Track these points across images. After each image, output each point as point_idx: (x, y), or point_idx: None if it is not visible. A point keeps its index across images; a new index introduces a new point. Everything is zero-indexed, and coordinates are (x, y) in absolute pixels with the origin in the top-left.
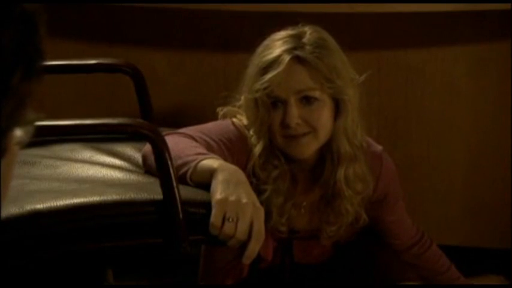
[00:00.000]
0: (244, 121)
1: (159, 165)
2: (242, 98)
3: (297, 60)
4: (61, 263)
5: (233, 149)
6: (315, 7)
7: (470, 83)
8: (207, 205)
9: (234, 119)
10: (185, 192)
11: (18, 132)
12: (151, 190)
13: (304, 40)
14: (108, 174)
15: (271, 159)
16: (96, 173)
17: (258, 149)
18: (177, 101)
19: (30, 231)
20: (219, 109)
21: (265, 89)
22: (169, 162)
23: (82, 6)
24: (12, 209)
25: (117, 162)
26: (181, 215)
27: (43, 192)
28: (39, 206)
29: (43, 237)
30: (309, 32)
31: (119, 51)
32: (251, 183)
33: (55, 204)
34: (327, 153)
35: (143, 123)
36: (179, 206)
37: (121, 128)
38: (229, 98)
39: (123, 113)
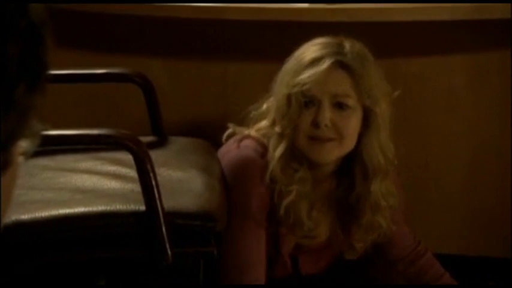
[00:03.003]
0: (262, 125)
1: (140, 176)
2: (272, 98)
3: (339, 64)
4: (44, 273)
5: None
6: (313, 16)
7: (469, 92)
8: (195, 216)
9: (252, 132)
10: (173, 203)
11: (23, 143)
12: (140, 201)
13: (346, 49)
14: (104, 184)
15: (292, 162)
16: (93, 183)
17: (280, 150)
18: (175, 108)
19: (13, 241)
20: (230, 125)
21: (303, 85)
22: (151, 174)
23: (81, 15)
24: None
25: (119, 170)
26: (163, 227)
27: (33, 202)
28: (24, 216)
29: (26, 247)
30: (350, 43)
31: (117, 59)
32: (273, 190)
33: (39, 214)
34: (358, 167)
35: (124, 134)
36: (161, 217)
37: (102, 138)
38: (245, 114)
39: (132, 123)
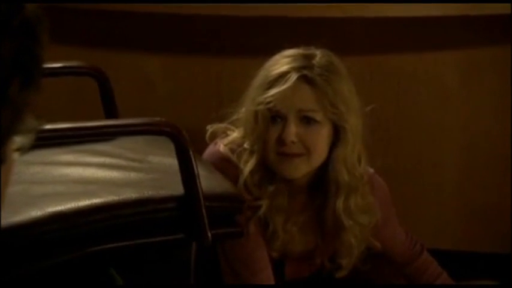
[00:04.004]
0: (235, 135)
1: (181, 162)
2: (243, 109)
3: (304, 79)
4: (84, 264)
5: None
6: (307, 11)
7: (462, 87)
8: (224, 197)
9: (222, 149)
10: (203, 186)
11: (18, 138)
12: (164, 187)
13: (314, 62)
14: (106, 174)
15: (266, 175)
16: (92, 174)
17: (250, 164)
18: (169, 105)
19: (55, 232)
20: (208, 126)
21: (268, 103)
22: (192, 158)
23: (76, 11)
24: (32, 212)
25: (108, 161)
26: (204, 210)
27: (55, 195)
28: (61, 207)
29: (67, 239)
30: (319, 56)
31: (111, 56)
32: (245, 200)
33: (77, 205)
34: (327, 181)
35: (165, 122)
36: (202, 200)
37: (144, 127)
38: (225, 114)
39: (87, 116)
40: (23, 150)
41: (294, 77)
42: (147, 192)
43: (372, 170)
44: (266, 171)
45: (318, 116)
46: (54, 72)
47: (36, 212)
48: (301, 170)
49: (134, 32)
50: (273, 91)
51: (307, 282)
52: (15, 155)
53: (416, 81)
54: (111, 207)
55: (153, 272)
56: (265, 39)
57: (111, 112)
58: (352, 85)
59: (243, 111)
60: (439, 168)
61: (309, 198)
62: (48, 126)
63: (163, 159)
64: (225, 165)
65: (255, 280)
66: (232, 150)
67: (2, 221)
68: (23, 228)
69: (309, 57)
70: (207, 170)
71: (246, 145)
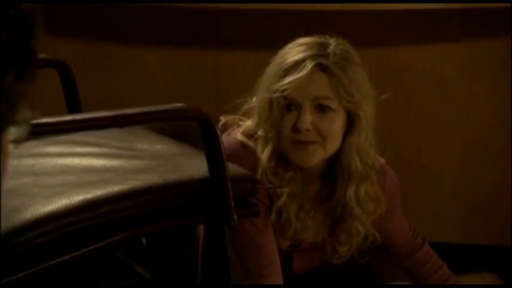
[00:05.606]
0: (249, 123)
1: (209, 145)
2: (254, 98)
3: (320, 67)
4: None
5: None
6: (305, 5)
7: (461, 81)
8: (243, 179)
9: (240, 137)
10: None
11: (13, 130)
12: (180, 170)
13: (329, 50)
14: (107, 163)
15: (281, 162)
16: (93, 164)
17: (266, 153)
18: (167, 98)
19: (93, 219)
20: (221, 117)
21: (283, 91)
22: (221, 141)
23: (75, 4)
24: (63, 200)
25: (99, 149)
26: (231, 192)
27: (76, 184)
28: (91, 195)
29: (99, 226)
30: (334, 44)
31: (110, 48)
32: (267, 189)
33: (107, 191)
34: (339, 169)
35: (194, 107)
36: (229, 183)
37: (176, 113)
38: (237, 104)
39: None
40: (17, 141)
41: (309, 65)
42: (170, 177)
43: (383, 160)
44: (280, 159)
45: (333, 104)
46: None
47: (65, 201)
48: (315, 158)
49: (133, 25)
50: (289, 79)
51: (313, 278)
52: (11, 147)
53: (415, 74)
54: (141, 192)
55: (156, 269)
56: (263, 32)
57: (73, 104)
58: (365, 73)
59: (257, 100)
60: (438, 161)
61: (322, 186)
62: (87, 115)
63: (152, 146)
64: (243, 152)
65: (262, 273)
66: (248, 138)
67: (34, 211)
68: (61, 216)
69: (323, 46)
70: (202, 155)
71: (260, 133)
